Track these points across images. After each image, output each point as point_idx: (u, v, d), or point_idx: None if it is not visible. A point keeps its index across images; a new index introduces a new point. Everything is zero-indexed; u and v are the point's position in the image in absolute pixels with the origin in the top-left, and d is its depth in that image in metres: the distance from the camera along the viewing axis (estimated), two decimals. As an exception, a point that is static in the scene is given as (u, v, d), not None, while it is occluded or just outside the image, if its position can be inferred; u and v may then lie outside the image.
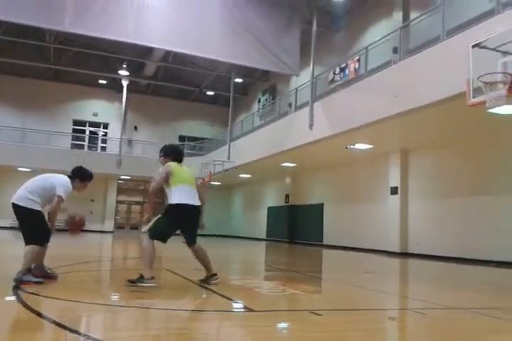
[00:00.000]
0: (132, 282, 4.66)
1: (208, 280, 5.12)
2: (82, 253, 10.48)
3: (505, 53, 6.67)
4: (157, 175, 4.94)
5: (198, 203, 5.00)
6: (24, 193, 4.88)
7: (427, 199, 13.16)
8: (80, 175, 5.26)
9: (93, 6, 12.12)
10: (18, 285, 4.45)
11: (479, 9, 9.69)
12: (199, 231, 5.20)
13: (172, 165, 4.98)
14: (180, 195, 4.86)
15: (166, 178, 4.87)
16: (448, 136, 12.00)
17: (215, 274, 5.14)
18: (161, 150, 5.29)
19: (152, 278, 4.62)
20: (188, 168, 5.18)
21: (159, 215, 4.91)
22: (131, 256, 11.34)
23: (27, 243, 4.78)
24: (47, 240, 5.00)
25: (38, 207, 4.87)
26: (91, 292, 4.69)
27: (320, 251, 15.25)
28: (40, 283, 4.71)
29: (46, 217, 5.00)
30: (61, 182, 4.97)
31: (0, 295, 4.14)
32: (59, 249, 11.88)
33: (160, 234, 4.80)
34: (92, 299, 4.11)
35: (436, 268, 10.03)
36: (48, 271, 5.10)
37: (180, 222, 4.95)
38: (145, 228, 5.26)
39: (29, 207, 4.82)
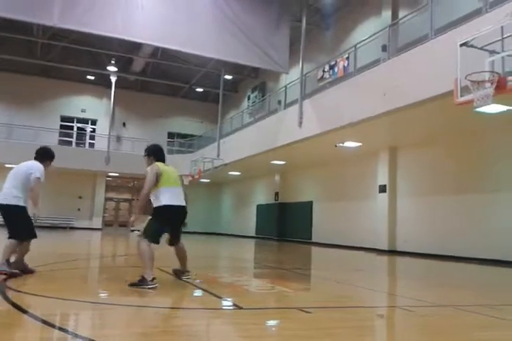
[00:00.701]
0: (134, 285, 4.64)
1: (179, 275, 5.38)
2: (70, 251, 10.41)
3: (492, 52, 6.72)
4: (146, 176, 4.96)
5: (184, 203, 5.12)
6: (10, 191, 5.11)
7: (415, 197, 13.27)
8: (50, 156, 5.67)
9: (82, 1, 12.00)
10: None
11: (467, 8, 9.77)
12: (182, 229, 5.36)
13: (159, 165, 5.06)
14: (169, 196, 4.95)
15: (155, 179, 4.93)
16: (436, 134, 12.09)
17: (188, 271, 5.41)
18: (145, 150, 5.38)
19: (154, 279, 4.67)
20: (173, 168, 5.25)
21: (150, 217, 5.03)
22: (120, 253, 11.29)
23: (10, 237, 5.06)
24: (32, 236, 5.23)
25: (23, 203, 5.13)
26: (79, 290, 4.67)
27: (309, 249, 15.31)
28: (17, 274, 4.93)
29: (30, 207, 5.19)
30: (34, 167, 5.26)
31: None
32: (46, 246, 11.79)
33: (155, 237, 4.90)
34: (81, 297, 4.08)
35: (423, 266, 10.13)
36: (27, 267, 5.28)
37: (169, 222, 5.07)
38: (137, 231, 5.54)
39: (15, 204, 5.06)
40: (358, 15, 16.24)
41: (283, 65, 14.84)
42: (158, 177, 4.93)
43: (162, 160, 5.24)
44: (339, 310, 4.01)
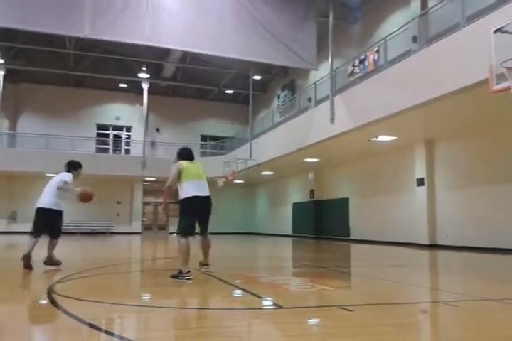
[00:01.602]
0: (174, 276, 5.31)
1: (200, 267, 5.86)
2: (111, 256, 10.65)
3: (528, 37, 6.49)
4: (170, 173, 5.61)
5: (208, 194, 5.59)
6: (50, 197, 6.42)
7: (454, 189, 12.94)
8: (73, 166, 6.90)
9: (110, 12, 12.29)
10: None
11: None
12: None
13: (182, 163, 5.64)
14: (190, 189, 5.44)
15: (178, 174, 5.48)
16: (472, 124, 11.76)
17: (208, 265, 5.85)
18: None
19: (189, 271, 5.24)
20: (198, 164, 5.83)
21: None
22: (160, 256, 11.47)
23: (53, 237, 6.50)
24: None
25: (58, 208, 6.54)
26: (122, 293, 4.77)
27: (347, 246, 15.15)
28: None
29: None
30: (63, 175, 6.59)
31: (35, 298, 4.24)
32: (88, 252, 12.12)
33: (186, 229, 5.41)
34: (124, 300, 4.17)
35: (465, 260, 9.86)
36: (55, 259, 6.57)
37: (195, 213, 5.51)
38: (175, 234, 6.27)
39: (52, 208, 6.42)
40: (386, 7, 15.97)
41: (311, 62, 14.75)
42: (180, 173, 5.48)
43: (187, 158, 5.77)
44: (380, 307, 3.95)
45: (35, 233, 6.36)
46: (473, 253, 10.89)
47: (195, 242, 5.73)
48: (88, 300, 4.06)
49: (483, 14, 8.56)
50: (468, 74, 8.39)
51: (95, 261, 8.33)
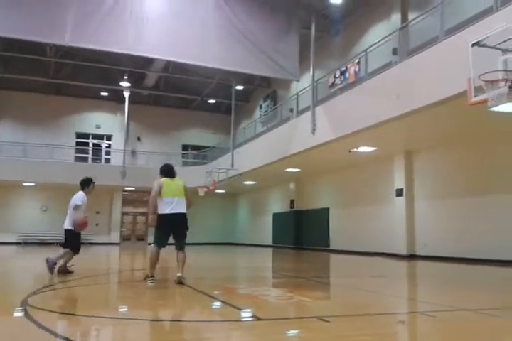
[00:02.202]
0: (144, 279, 5.92)
1: (177, 279, 5.88)
2: (89, 266, 10.44)
3: (505, 51, 6.62)
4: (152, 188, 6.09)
5: (182, 211, 5.97)
6: (68, 218, 7.37)
7: (432, 200, 13.07)
8: (84, 183, 7.69)
9: (92, 20, 12.21)
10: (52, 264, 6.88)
11: (477, 8, 9.67)
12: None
13: (163, 180, 6.07)
14: (165, 206, 5.89)
15: (159, 190, 5.93)
16: (451, 135, 11.93)
17: (181, 275, 5.91)
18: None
19: (151, 276, 5.88)
20: (179, 181, 6.19)
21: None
22: (139, 267, 11.29)
23: (65, 247, 7.29)
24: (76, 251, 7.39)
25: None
26: (99, 305, 4.66)
27: (327, 257, 15.15)
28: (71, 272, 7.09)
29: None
30: (74, 197, 7.42)
31: (8, 311, 4.11)
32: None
33: (157, 240, 6.02)
34: (101, 312, 4.07)
35: (443, 270, 9.93)
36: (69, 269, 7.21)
37: (168, 228, 5.96)
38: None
39: (68, 228, 7.31)
40: (367, 20, 16.21)
41: (293, 73, 14.86)
42: (160, 190, 5.93)
43: (168, 176, 6.18)
44: (359, 318, 3.93)
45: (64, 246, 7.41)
46: (451, 264, 10.98)
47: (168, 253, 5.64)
48: (64, 313, 3.95)
49: (461, 28, 8.73)
50: (447, 86, 8.52)
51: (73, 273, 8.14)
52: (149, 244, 25.44)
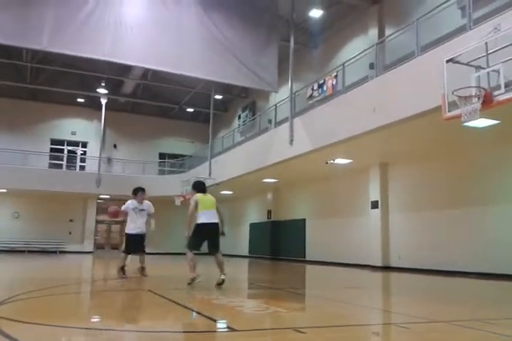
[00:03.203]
0: (189, 284, 6.78)
1: (218, 280, 6.88)
2: (60, 276, 10.23)
3: (478, 68, 6.83)
4: (190, 204, 7.12)
5: (215, 221, 7.02)
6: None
7: (407, 212, 13.27)
8: (133, 192, 8.68)
9: (71, 25, 12.09)
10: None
11: (452, 25, 9.97)
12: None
13: (198, 196, 7.13)
14: (201, 217, 6.94)
15: (195, 206, 6.98)
16: (426, 149, 12.17)
17: (224, 274, 6.95)
18: (192, 185, 7.68)
19: (198, 275, 6.87)
20: (210, 196, 7.26)
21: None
22: (112, 276, 11.10)
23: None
24: (128, 253, 8.50)
25: (126, 231, 8.52)
26: (70, 315, 4.56)
27: (303, 267, 15.18)
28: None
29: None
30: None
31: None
32: (35, 271, 11.61)
33: (190, 245, 6.97)
34: (72, 323, 3.99)
35: (418, 282, 10.05)
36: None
37: (202, 235, 6.95)
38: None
39: (132, 232, 8.47)
40: (345, 34, 16.51)
41: (272, 84, 14.97)
42: (196, 205, 6.98)
43: (201, 191, 7.28)
44: (334, 329, 3.94)
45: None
46: (425, 276, 11.12)
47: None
48: (33, 323, 3.85)
49: (436, 44, 8.97)
50: (423, 101, 8.71)
51: (43, 281, 7.97)
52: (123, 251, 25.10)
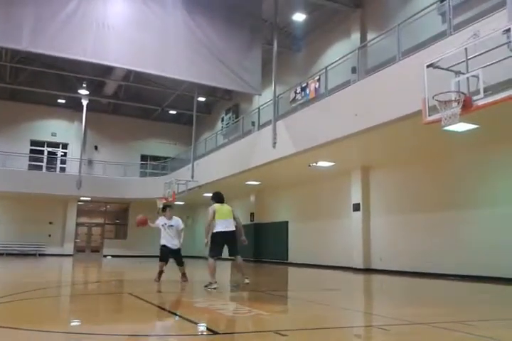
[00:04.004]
0: (205, 286, 7.17)
1: (239, 284, 7.64)
2: (40, 279, 10.07)
3: (457, 73, 6.93)
4: (208, 213, 7.64)
5: (232, 229, 7.55)
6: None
7: (388, 215, 13.39)
8: (162, 209, 9.24)
9: (52, 25, 11.93)
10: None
11: (433, 31, 10.12)
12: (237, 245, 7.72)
13: (215, 206, 7.66)
14: (219, 226, 7.47)
15: (213, 215, 7.51)
16: (407, 152, 12.30)
17: (247, 277, 7.66)
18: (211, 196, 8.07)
19: (215, 282, 7.16)
20: (227, 206, 7.79)
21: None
22: (93, 280, 10.97)
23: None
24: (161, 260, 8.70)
25: (169, 244, 8.76)
26: (50, 320, 4.49)
27: (285, 270, 15.19)
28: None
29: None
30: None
31: None
32: (14, 275, 11.41)
33: (212, 252, 7.46)
34: (51, 327, 3.92)
35: (398, 284, 10.14)
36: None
37: (222, 242, 7.47)
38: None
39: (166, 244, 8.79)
40: (328, 38, 16.63)
41: (256, 87, 14.99)
42: (214, 214, 7.51)
43: (219, 201, 7.80)
44: (315, 332, 3.95)
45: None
46: (405, 278, 11.23)
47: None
48: (11, 328, 3.78)
49: (417, 49, 9.09)
50: (403, 105, 8.81)
51: (20, 285, 7.83)
52: (105, 256, 24.87)
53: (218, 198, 7.94)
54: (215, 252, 7.48)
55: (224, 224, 7.51)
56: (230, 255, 7.78)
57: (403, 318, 4.66)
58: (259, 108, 16.33)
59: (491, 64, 6.41)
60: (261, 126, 15.57)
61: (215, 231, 7.47)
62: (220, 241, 7.47)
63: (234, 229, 7.63)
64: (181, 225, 8.96)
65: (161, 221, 8.81)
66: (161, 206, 9.87)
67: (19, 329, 3.72)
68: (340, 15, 15.84)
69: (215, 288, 7.02)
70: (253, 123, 16.96)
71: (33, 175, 23.14)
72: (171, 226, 8.75)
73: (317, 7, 15.90)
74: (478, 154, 10.83)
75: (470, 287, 9.21)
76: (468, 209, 10.99)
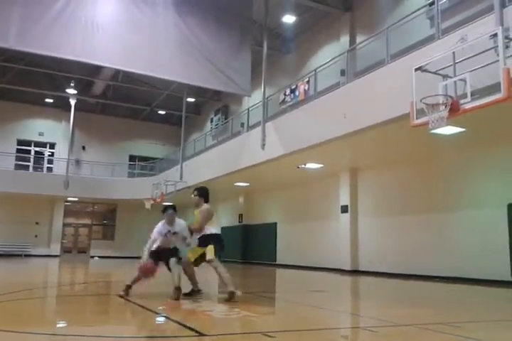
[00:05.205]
0: (229, 298, 5.75)
1: (230, 297, 5.88)
2: (25, 280, 9.96)
3: (445, 76, 7.01)
4: (202, 215, 6.38)
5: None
6: None
7: (376, 217, 13.46)
8: (163, 211, 6.97)
9: (39, 23, 11.81)
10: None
11: (421, 35, 10.20)
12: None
13: (211, 209, 6.45)
14: (212, 229, 6.32)
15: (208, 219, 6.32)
16: (394, 155, 12.39)
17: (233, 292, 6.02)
18: (195, 190, 6.73)
19: (235, 291, 5.80)
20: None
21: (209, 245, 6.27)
22: (79, 281, 10.87)
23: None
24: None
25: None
26: (36, 321, 4.44)
27: (274, 271, 15.20)
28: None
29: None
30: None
31: None
32: None
33: (218, 255, 6.19)
34: (37, 328, 3.88)
35: (386, 286, 10.20)
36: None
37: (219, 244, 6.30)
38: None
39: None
40: (318, 40, 16.69)
41: (245, 89, 14.99)
42: (210, 217, 6.33)
43: (208, 201, 6.56)
44: (303, 333, 3.96)
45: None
46: (393, 280, 11.29)
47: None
48: (-6, 330, 3.73)
49: (406, 53, 9.16)
50: (392, 108, 8.87)
51: (6, 286, 7.74)
52: (92, 257, 24.66)
53: (208, 196, 6.66)
54: (218, 254, 6.30)
55: (215, 226, 6.48)
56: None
57: (390, 320, 4.69)
58: (248, 109, 16.34)
59: (478, 68, 6.49)
60: (250, 128, 15.57)
61: (210, 233, 6.29)
62: (219, 243, 6.34)
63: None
64: (186, 232, 6.81)
65: (161, 229, 6.61)
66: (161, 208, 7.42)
67: (3, 331, 3.68)
68: (330, 18, 15.92)
69: (237, 297, 5.80)
70: (242, 125, 16.95)
71: (20, 175, 22.88)
72: (175, 233, 6.69)
73: (307, 9, 15.96)
74: (465, 157, 10.95)
75: (457, 289, 9.29)
76: (455, 211, 11.09)
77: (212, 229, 6.34)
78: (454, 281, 10.26)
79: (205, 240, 6.22)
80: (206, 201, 6.58)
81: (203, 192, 6.63)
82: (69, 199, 24.84)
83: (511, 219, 9.77)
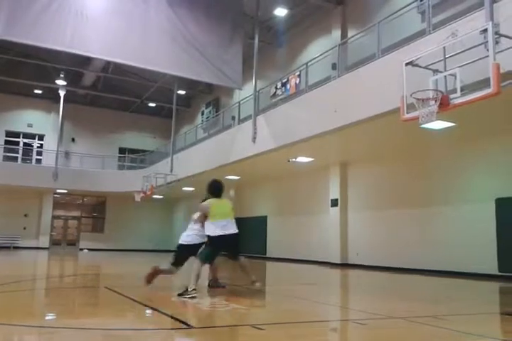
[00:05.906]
0: (180, 295, 5.42)
1: (257, 288, 6.15)
2: (13, 272, 9.91)
3: (435, 71, 7.03)
4: (199, 210, 6.19)
5: (234, 231, 5.97)
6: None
7: (366, 210, 13.55)
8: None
9: (28, 13, 11.65)
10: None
11: (412, 29, 10.22)
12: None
13: (211, 203, 6.02)
14: (217, 228, 5.84)
15: (205, 215, 5.95)
16: (384, 149, 12.45)
17: (255, 281, 6.23)
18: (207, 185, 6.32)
19: (194, 289, 5.47)
20: (226, 201, 6.25)
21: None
22: (68, 273, 10.84)
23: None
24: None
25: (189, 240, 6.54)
26: (23, 313, 4.42)
27: (263, 264, 15.26)
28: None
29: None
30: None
31: None
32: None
33: (206, 258, 5.93)
34: (25, 321, 3.87)
35: (374, 279, 10.29)
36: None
37: (221, 248, 6.00)
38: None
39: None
40: (309, 34, 16.65)
41: (236, 81, 14.93)
42: (206, 213, 5.95)
43: (218, 195, 6.18)
44: (293, 326, 3.99)
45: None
46: (382, 273, 11.40)
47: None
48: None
49: (396, 47, 9.17)
50: (382, 102, 8.89)
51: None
52: (81, 249, 24.57)
53: (217, 190, 6.24)
54: (211, 258, 6.07)
55: (224, 226, 5.92)
56: (229, 257, 6.29)
57: (379, 313, 4.73)
58: (239, 102, 16.29)
59: (469, 63, 6.52)
60: (241, 121, 15.54)
61: (213, 234, 5.86)
62: (219, 246, 5.98)
63: (236, 231, 6.04)
64: (195, 215, 6.62)
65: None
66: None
67: (-8, 324, 3.66)
68: (322, 11, 15.87)
69: (194, 297, 5.39)
70: (233, 118, 16.90)
71: (8, 167, 22.66)
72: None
73: (299, 2, 15.89)
74: (454, 151, 11.04)
75: (446, 282, 9.40)
76: (444, 205, 11.20)
77: (217, 229, 5.87)
78: (442, 275, 10.38)
79: (208, 240, 6.03)
80: (214, 195, 6.20)
81: (208, 188, 6.31)
82: (58, 191, 24.67)
83: (499, 213, 9.89)
